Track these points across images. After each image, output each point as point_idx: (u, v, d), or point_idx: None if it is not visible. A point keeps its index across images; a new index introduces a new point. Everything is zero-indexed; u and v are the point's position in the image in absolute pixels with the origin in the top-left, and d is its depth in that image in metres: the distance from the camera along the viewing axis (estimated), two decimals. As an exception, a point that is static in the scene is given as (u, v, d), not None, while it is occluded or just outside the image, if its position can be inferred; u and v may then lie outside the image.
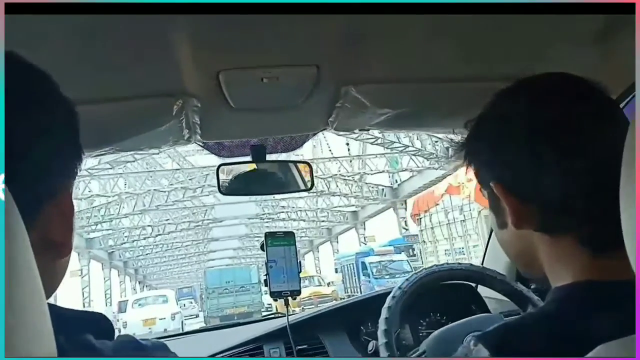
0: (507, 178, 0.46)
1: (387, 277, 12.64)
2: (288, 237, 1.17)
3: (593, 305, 0.43)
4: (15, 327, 0.21)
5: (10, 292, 0.21)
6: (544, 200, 0.45)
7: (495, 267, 1.10)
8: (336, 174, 15.01)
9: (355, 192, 16.17)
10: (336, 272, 17.14)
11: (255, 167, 1.07)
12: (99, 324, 0.40)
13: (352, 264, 15.19)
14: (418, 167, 14.31)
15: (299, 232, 22.11)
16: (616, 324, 0.35)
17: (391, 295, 1.00)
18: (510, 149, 0.46)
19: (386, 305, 0.98)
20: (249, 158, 1.06)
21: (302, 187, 1.10)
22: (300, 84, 0.73)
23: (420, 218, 13.22)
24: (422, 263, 12.75)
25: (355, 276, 14.67)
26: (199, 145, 1.02)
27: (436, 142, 12.24)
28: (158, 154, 13.24)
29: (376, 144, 13.14)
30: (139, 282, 26.52)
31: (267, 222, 19.56)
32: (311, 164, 1.11)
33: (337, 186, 15.82)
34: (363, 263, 13.97)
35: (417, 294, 1.01)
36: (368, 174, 15.53)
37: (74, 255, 0.43)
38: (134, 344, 0.40)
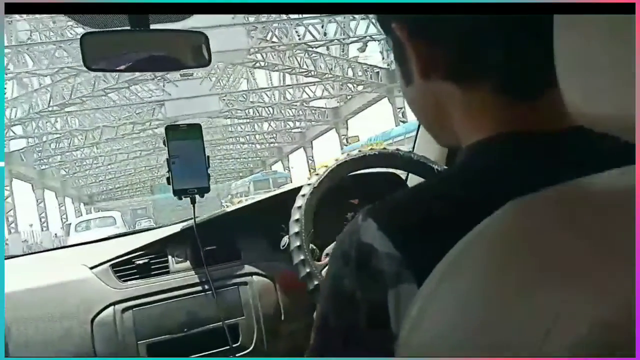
0: (411, 19, 0.46)
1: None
2: (193, 130, 1.21)
3: (509, 160, 0.43)
4: None
5: None
6: (454, 40, 0.45)
7: (427, 154, 1.18)
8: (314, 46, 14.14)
9: (346, 76, 15.57)
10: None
11: (137, 38, 1.06)
12: None
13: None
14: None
15: (266, 137, 21.79)
16: (537, 176, 0.35)
17: (301, 193, 1.05)
18: None
19: (296, 204, 1.04)
20: (127, 28, 1.04)
21: (197, 62, 1.11)
22: None
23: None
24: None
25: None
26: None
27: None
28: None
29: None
30: (85, 204, 26.95)
31: (231, 122, 19.17)
32: (207, 34, 1.10)
33: (326, 66, 14.98)
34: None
35: (330, 188, 1.07)
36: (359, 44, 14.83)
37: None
38: None
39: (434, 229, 0.40)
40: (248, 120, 19.11)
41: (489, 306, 0.26)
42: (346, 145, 17.77)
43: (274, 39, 14.28)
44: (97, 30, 1.04)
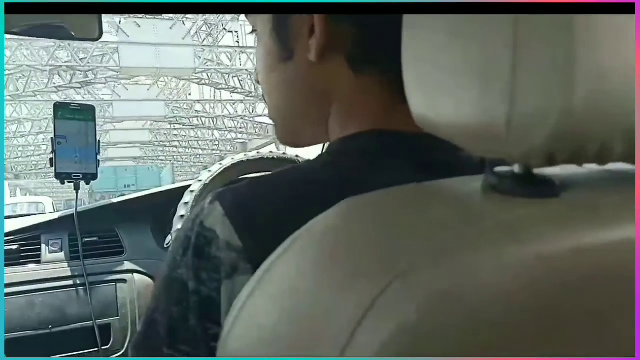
0: None
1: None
2: (85, 112, 1.32)
3: (377, 156, 0.48)
4: None
5: None
6: (367, 23, 0.49)
7: None
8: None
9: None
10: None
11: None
12: None
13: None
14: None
15: (235, 122, 20.87)
16: (405, 173, 0.39)
17: (190, 189, 1.15)
18: None
19: (183, 200, 1.13)
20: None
21: (85, 35, 1.21)
22: None
23: None
24: None
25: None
26: None
27: None
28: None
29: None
30: (9, 185, 26.64)
31: (200, 96, 18.49)
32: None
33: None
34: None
35: (223, 186, 1.16)
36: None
37: None
38: None
39: (280, 221, 0.41)
40: (222, 99, 18.04)
41: (302, 302, 0.29)
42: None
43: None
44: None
